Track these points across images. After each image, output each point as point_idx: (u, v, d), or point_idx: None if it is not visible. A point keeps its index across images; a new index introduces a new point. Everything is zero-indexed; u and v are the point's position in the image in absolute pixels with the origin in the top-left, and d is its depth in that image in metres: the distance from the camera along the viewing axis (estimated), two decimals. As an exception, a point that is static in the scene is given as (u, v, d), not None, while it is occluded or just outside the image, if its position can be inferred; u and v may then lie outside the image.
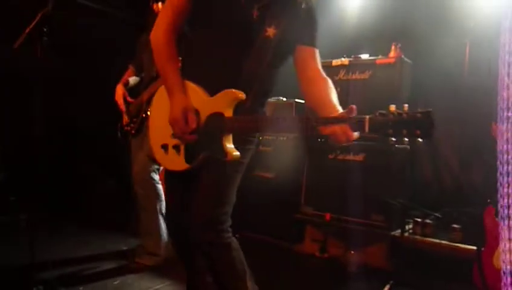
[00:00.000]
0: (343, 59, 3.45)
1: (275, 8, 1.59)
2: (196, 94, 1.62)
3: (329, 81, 1.64)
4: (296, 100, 3.72)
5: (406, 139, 1.26)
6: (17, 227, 3.72)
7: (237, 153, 1.57)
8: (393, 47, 3.36)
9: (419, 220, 3.09)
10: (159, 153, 1.75)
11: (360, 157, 3.28)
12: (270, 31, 1.57)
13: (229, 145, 1.57)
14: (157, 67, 1.71)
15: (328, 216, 3.29)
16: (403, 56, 3.29)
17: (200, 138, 1.60)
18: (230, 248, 1.67)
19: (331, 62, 3.48)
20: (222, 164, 1.59)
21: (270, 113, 1.95)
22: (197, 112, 1.61)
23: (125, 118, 3.10)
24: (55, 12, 2.38)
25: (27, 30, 2.34)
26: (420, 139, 1.24)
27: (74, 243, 3.46)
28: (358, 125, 1.29)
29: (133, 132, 3.02)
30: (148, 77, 2.98)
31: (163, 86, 1.71)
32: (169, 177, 1.85)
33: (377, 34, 3.72)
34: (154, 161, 2.11)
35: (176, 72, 1.64)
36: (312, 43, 1.68)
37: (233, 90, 1.55)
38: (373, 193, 3.14)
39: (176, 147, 1.68)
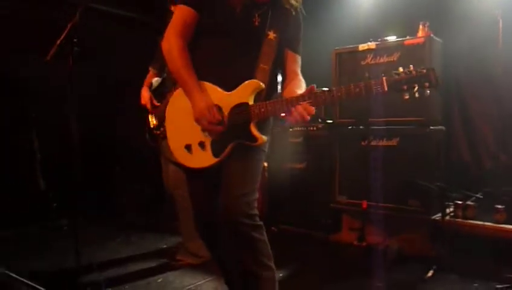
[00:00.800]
0: (369, 43, 3.36)
1: (273, 15, 1.77)
2: (215, 91, 1.74)
3: (303, 82, 1.82)
4: (325, 89, 3.65)
5: (417, 93, 1.54)
6: (60, 232, 3.86)
7: (265, 137, 1.72)
8: (421, 26, 3.25)
9: (459, 202, 3.00)
10: (182, 155, 1.82)
11: (393, 142, 3.21)
12: (272, 35, 1.76)
13: (257, 131, 1.71)
14: (173, 73, 1.80)
15: (364, 204, 3.24)
16: (432, 35, 3.18)
17: (226, 130, 1.72)
18: (263, 229, 1.75)
19: (357, 47, 3.41)
20: (249, 152, 1.74)
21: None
22: (218, 108, 1.72)
23: (153, 121, 3.13)
24: (82, 22, 2.44)
25: (58, 42, 2.39)
26: (428, 91, 1.54)
27: (115, 244, 3.56)
28: (376, 86, 1.55)
29: (162, 135, 3.04)
30: (171, 80, 3.00)
31: (176, 92, 1.84)
32: (192, 179, 1.92)
33: (404, 14, 3.62)
34: (175, 164, 2.12)
35: (193, 75, 1.74)
36: (297, 50, 1.86)
37: (254, 80, 1.71)
38: (409, 177, 3.08)
39: (201, 144, 1.77)
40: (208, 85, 1.75)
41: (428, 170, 3.09)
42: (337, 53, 3.54)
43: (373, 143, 3.27)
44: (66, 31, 2.40)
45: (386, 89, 1.54)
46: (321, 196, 3.55)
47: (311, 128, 3.62)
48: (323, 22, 3.88)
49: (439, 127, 3.29)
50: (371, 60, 3.35)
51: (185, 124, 1.78)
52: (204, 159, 1.76)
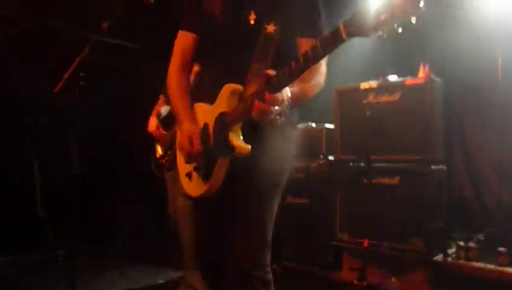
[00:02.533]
0: (371, 82, 3.42)
1: (272, 3, 1.52)
2: (203, 109, 1.63)
3: (318, 70, 1.55)
4: (326, 126, 3.71)
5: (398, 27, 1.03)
6: (57, 263, 3.81)
7: (247, 146, 1.44)
8: (421, 67, 3.31)
9: (462, 243, 2.97)
10: (184, 182, 1.71)
11: (395, 180, 3.20)
12: (270, 28, 1.50)
13: (237, 140, 1.45)
14: (170, 104, 1.77)
15: (365, 243, 3.20)
16: (432, 76, 3.24)
17: (213, 149, 1.53)
18: (271, 285, 1.66)
19: (359, 86, 3.46)
20: (267, 186, 1.56)
21: (300, 139, 1.90)
22: (206, 126, 1.59)
23: (159, 151, 3.13)
24: (91, 56, 2.51)
25: (65, 76, 2.44)
26: (413, 20, 1.00)
27: (112, 276, 3.50)
28: (334, 35, 1.12)
29: (167, 165, 3.04)
30: None
31: None
32: (197, 211, 1.75)
33: (405, 53, 3.69)
34: (185, 196, 2.08)
35: (184, 106, 1.66)
36: (314, 34, 1.52)
37: (229, 84, 1.50)
38: (410, 216, 3.05)
39: (196, 170, 1.62)
40: (199, 105, 1.65)
41: (430, 209, 3.06)
42: (339, 91, 3.57)
43: (374, 181, 3.25)
44: (74, 65, 2.46)
45: (344, 36, 1.10)
46: (322, 233, 3.51)
47: (313, 165, 3.61)
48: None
49: (441, 166, 3.28)
50: (372, 99, 3.37)
51: None
52: (199, 185, 1.61)
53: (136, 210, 4.70)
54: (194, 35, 1.67)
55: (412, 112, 3.17)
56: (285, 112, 1.36)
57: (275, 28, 1.49)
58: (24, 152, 4.03)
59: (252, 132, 1.48)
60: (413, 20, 0.99)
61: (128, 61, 4.53)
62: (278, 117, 1.34)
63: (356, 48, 3.83)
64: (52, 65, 2.73)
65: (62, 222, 3.31)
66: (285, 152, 1.66)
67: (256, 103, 1.31)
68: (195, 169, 1.63)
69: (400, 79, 3.33)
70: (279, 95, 1.30)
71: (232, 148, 1.44)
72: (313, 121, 3.80)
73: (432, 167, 3.13)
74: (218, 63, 1.60)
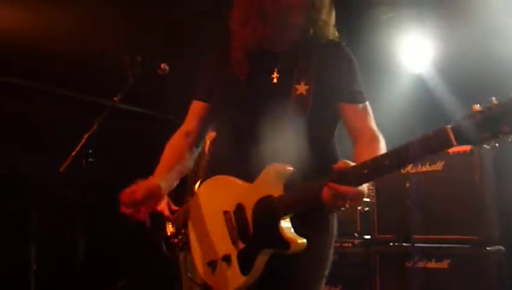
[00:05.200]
0: (409, 150, 3.11)
1: (301, 62, 1.43)
2: (235, 186, 1.42)
3: (378, 139, 1.42)
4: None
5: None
6: None
7: (303, 240, 1.30)
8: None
9: None
10: (204, 271, 1.47)
11: (444, 264, 2.86)
12: (302, 88, 1.39)
13: (290, 233, 1.30)
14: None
15: None
16: (480, 142, 2.89)
17: (253, 236, 1.35)
18: None
19: (395, 153, 3.15)
20: (305, 283, 1.41)
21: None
22: (241, 208, 1.38)
23: (170, 229, 2.92)
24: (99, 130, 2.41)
25: (73, 154, 2.36)
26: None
27: None
28: (440, 138, 1.08)
29: (180, 244, 2.81)
30: (193, 181, 2.83)
31: (198, 192, 1.58)
32: None
33: (451, 116, 3.40)
34: (200, 286, 1.78)
35: (163, 165, 1.55)
36: (355, 98, 1.46)
37: (275, 163, 1.33)
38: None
39: (226, 259, 1.39)
40: (227, 179, 1.44)
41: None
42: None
43: (419, 265, 2.90)
44: (82, 142, 2.40)
45: (454, 142, 1.06)
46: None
47: (346, 245, 3.30)
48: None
49: (498, 247, 2.92)
50: (411, 169, 3.07)
51: (208, 235, 1.46)
52: (231, 278, 1.37)
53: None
54: (205, 104, 1.60)
55: (458, 184, 2.90)
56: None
57: (307, 87, 1.38)
58: (22, 231, 3.87)
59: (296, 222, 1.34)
60: None
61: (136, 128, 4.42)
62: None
63: (390, 115, 3.63)
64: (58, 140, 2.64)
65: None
66: (328, 243, 1.50)
67: (326, 191, 1.19)
68: (223, 259, 1.40)
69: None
70: (361, 189, 1.19)
71: (285, 242, 1.29)
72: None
73: (487, 248, 2.79)
74: (239, 128, 1.47)
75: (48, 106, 3.65)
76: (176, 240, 2.88)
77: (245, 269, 1.34)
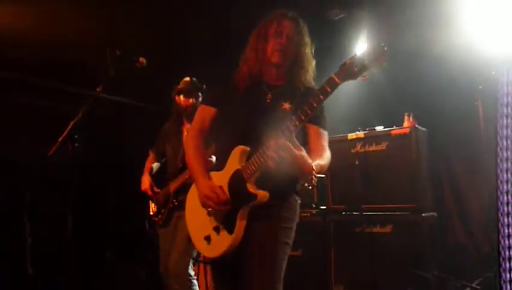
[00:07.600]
0: (358, 132, 3.51)
1: (288, 91, 1.90)
2: (215, 176, 1.86)
3: (326, 152, 1.87)
4: (317, 175, 3.73)
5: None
6: None
7: (265, 192, 1.71)
8: (406, 117, 3.42)
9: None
10: (202, 247, 1.88)
11: (387, 228, 3.22)
12: (286, 105, 1.86)
13: (255, 189, 1.72)
14: (187, 163, 2.02)
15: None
16: (416, 125, 3.34)
17: (232, 203, 1.77)
18: None
19: (346, 136, 3.54)
20: (271, 242, 1.76)
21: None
22: (220, 188, 1.80)
23: (153, 208, 3.13)
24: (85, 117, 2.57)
25: (60, 139, 2.47)
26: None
27: None
28: (331, 80, 1.60)
29: (160, 222, 3.03)
30: (173, 167, 3.04)
31: (190, 192, 1.96)
32: (217, 276, 1.97)
33: (391, 105, 3.81)
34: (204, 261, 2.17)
35: (199, 164, 1.92)
36: (321, 124, 1.91)
37: (237, 146, 1.77)
38: (405, 265, 3.04)
39: (216, 229, 1.81)
40: (212, 173, 1.87)
41: (424, 257, 3.07)
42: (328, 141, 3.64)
43: (367, 230, 3.27)
44: (68, 129, 2.50)
45: (339, 81, 1.59)
46: (317, 286, 3.45)
47: (305, 214, 3.59)
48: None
49: (431, 213, 3.32)
50: (360, 149, 3.45)
51: (203, 217, 1.86)
52: (222, 242, 1.78)
53: (128, 267, 4.60)
54: (214, 109, 1.97)
55: (399, 161, 3.26)
56: (314, 179, 1.69)
57: (290, 105, 1.84)
58: (16, 206, 3.98)
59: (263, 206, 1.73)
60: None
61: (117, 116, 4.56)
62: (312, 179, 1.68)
63: (344, 101, 3.96)
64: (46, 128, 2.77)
65: (52, 279, 3.25)
66: (291, 217, 1.87)
67: (269, 152, 1.60)
68: (220, 224, 1.80)
69: (386, 129, 3.42)
70: (287, 142, 1.59)
71: (253, 195, 1.71)
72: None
73: (423, 214, 3.17)
74: (235, 131, 1.85)
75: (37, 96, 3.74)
76: (157, 219, 3.10)
77: (231, 230, 1.75)
